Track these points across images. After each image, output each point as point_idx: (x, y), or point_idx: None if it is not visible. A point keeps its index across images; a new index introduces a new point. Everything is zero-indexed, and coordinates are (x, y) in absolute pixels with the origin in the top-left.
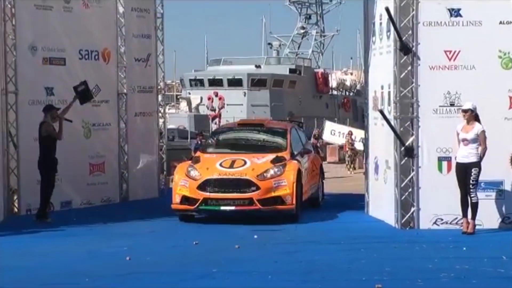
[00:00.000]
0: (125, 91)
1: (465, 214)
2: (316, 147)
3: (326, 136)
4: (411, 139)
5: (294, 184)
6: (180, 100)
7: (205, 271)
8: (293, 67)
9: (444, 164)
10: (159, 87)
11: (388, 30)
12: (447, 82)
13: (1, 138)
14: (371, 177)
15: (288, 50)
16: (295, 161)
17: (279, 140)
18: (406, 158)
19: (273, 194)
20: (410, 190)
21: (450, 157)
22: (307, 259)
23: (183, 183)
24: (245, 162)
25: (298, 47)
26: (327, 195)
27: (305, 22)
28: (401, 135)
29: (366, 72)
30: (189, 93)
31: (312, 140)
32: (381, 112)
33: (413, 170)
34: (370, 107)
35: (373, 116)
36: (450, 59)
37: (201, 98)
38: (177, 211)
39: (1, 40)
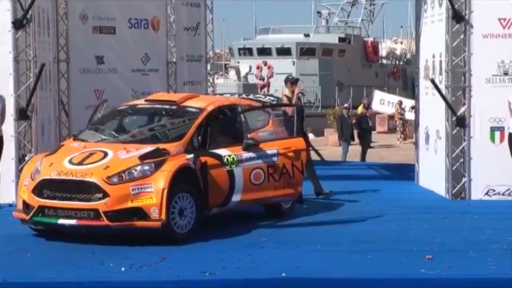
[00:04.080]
0: (174, 60)
1: None
2: (365, 116)
3: (375, 106)
4: (463, 109)
5: (165, 192)
6: (229, 69)
7: (254, 241)
8: (343, 36)
9: (497, 134)
10: (208, 56)
11: None
12: (501, 50)
13: (53, 106)
14: (421, 147)
15: (337, 19)
16: (187, 157)
17: (182, 125)
18: (457, 128)
19: (129, 204)
20: (461, 160)
21: (503, 127)
22: (356, 229)
23: (27, 182)
24: (105, 156)
25: (348, 16)
26: (374, 165)
27: None
28: (452, 104)
29: (417, 40)
30: (238, 62)
31: (362, 109)
32: (432, 81)
33: (464, 140)
34: (421, 76)
35: (424, 85)
36: (504, 27)
37: (250, 67)
38: (21, 221)
39: (53, 9)
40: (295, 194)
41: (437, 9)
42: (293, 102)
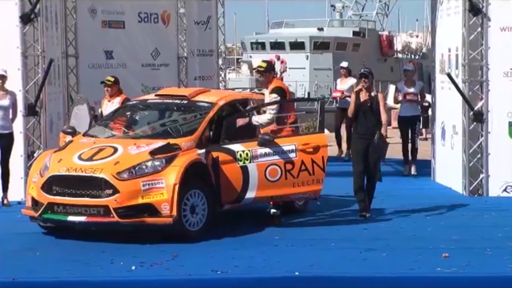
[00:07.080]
0: (185, 54)
1: None
2: None
3: (390, 101)
4: (480, 104)
5: (177, 187)
6: (241, 63)
7: (267, 238)
8: (357, 29)
9: None
10: (219, 50)
11: None
12: None
13: (62, 102)
14: (437, 142)
15: (351, 12)
16: (198, 152)
17: (193, 120)
18: (474, 123)
19: (140, 200)
20: (478, 156)
21: None
22: (371, 227)
23: (35, 179)
24: (115, 152)
25: (362, 9)
26: (389, 161)
27: None
28: (469, 99)
29: (433, 34)
30: (251, 57)
31: None
32: (449, 75)
33: (482, 136)
34: (437, 70)
35: (440, 79)
36: None
37: None
38: (30, 218)
39: (62, 4)
40: (315, 192)
41: (453, 2)
42: (352, 96)
